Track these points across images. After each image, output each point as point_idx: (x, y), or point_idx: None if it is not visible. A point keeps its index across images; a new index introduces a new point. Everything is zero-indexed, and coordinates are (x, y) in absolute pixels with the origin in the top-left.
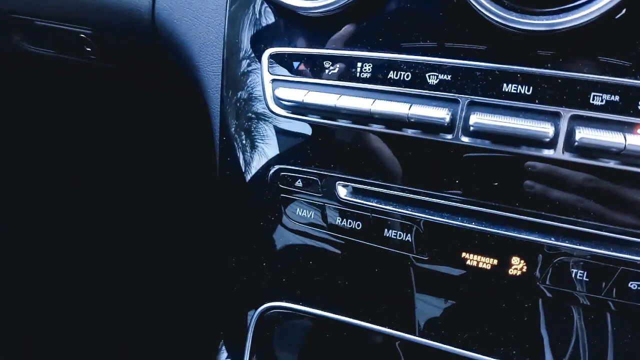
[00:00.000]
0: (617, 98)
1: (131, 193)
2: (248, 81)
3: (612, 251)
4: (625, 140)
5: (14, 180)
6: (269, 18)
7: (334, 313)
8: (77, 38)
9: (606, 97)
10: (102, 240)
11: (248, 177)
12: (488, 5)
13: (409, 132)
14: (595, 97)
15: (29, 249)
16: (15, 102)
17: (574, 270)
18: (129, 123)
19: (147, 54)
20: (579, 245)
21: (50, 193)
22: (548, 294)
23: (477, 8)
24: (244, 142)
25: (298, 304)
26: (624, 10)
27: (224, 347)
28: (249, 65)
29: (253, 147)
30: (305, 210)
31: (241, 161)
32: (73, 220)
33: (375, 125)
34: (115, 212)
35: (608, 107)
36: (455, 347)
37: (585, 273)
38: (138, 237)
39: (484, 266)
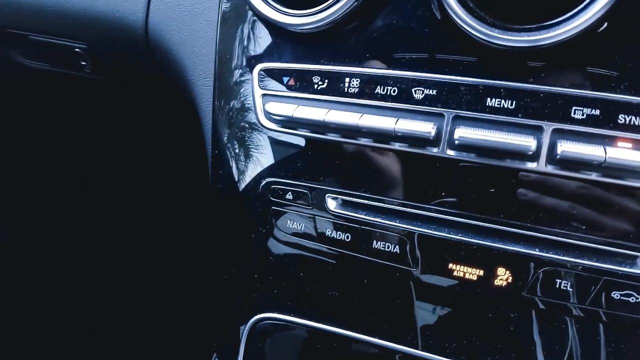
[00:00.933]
0: (597, 112)
1: (125, 203)
2: (239, 95)
3: (595, 261)
4: (606, 153)
5: (14, 185)
6: (259, 34)
7: (324, 324)
8: (72, 52)
9: (587, 111)
10: (98, 250)
11: (239, 190)
12: (470, 22)
13: (396, 145)
14: (577, 111)
15: (28, 254)
16: (11, 110)
17: (558, 281)
18: (122, 133)
19: (141, 67)
20: (563, 256)
21: (46, 202)
22: (533, 304)
23: (460, 25)
24: (235, 155)
25: (290, 315)
26: (605, 25)
27: (217, 359)
28: (240, 79)
29: (244, 160)
30: (295, 223)
31: (233, 174)
32: (70, 228)
33: (363, 139)
34: (109, 222)
35: (589, 120)
36: (443, 357)
37: (569, 283)
38: (133, 247)
39: (471, 277)
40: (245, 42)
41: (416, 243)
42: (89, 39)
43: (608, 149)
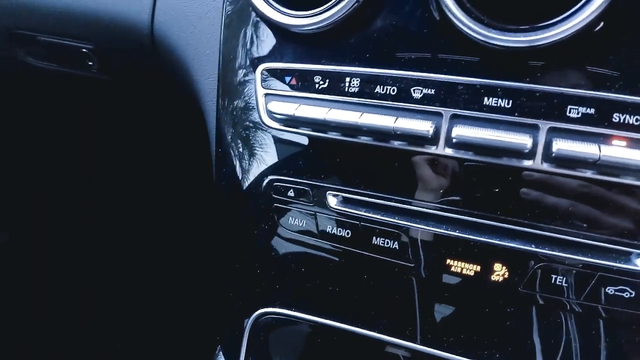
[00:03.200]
0: (592, 110)
1: (129, 201)
2: (242, 95)
3: (590, 257)
4: (600, 151)
5: (18, 185)
6: (262, 35)
7: (325, 319)
8: (79, 52)
9: (582, 109)
10: (100, 247)
11: (243, 187)
12: (468, 23)
13: (396, 144)
14: (572, 110)
15: (29, 253)
16: (16, 109)
17: (554, 276)
18: (127, 132)
19: (146, 68)
20: (559, 252)
21: (49, 200)
22: (529, 299)
23: (458, 26)
24: (238, 153)
25: (291, 309)
26: (601, 24)
27: (220, 352)
28: (243, 79)
29: (247, 158)
30: (297, 219)
31: (236, 171)
32: (72, 226)
33: (363, 138)
34: (114, 219)
35: (584, 119)
36: (441, 350)
37: (565, 279)
38: (137, 243)
39: (468, 272)
40: (248, 43)
41: (414, 240)
42: (95, 40)
43: (603, 147)
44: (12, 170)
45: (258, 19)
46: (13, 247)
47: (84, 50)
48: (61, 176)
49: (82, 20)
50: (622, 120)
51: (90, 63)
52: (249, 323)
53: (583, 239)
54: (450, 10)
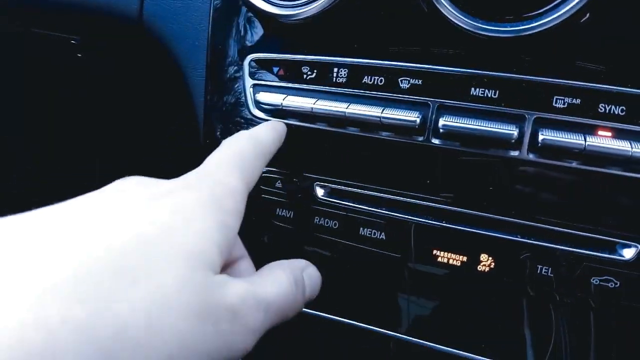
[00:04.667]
0: (578, 101)
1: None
2: (230, 86)
3: (575, 248)
4: (586, 141)
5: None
6: (249, 25)
7: (315, 310)
8: (68, 44)
9: (568, 100)
10: None
11: None
12: (456, 14)
13: (383, 134)
14: (558, 100)
15: None
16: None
17: (539, 266)
18: (115, 123)
19: (136, 59)
20: (544, 243)
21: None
22: (514, 289)
23: (446, 16)
24: None
25: None
26: (587, 15)
27: None
28: (231, 70)
29: None
30: (285, 210)
31: None
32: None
33: (350, 128)
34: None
35: (570, 109)
36: (427, 341)
37: (550, 269)
38: None
39: (455, 263)
40: (236, 34)
41: (402, 230)
42: (84, 32)
43: (588, 137)
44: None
45: (246, 9)
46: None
47: (72, 42)
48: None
49: (71, 12)
50: (607, 111)
51: (79, 55)
52: None
53: (569, 229)
54: (437, 1)
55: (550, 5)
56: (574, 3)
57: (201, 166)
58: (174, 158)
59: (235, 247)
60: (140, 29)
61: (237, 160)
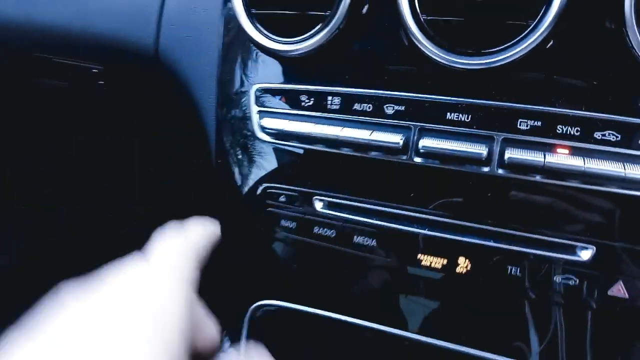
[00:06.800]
0: (539, 123)
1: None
2: (238, 112)
3: (541, 251)
4: (545, 158)
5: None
6: (255, 59)
7: (314, 308)
8: (90, 73)
9: (531, 122)
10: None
11: (240, 194)
12: (432, 49)
13: (372, 154)
14: (522, 123)
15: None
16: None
17: (510, 267)
18: (131, 145)
19: (153, 89)
20: (513, 246)
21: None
22: (488, 289)
23: (423, 51)
24: (236, 163)
25: (284, 301)
26: (551, 42)
27: (227, 337)
28: (238, 98)
29: (244, 168)
30: (288, 222)
31: (234, 180)
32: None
33: (344, 149)
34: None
35: (532, 130)
36: (413, 333)
37: (518, 269)
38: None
39: (436, 265)
40: (243, 66)
41: (390, 238)
42: (105, 61)
43: (548, 154)
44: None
45: (251, 45)
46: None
47: (94, 70)
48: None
49: (93, 43)
50: (564, 131)
51: (100, 82)
52: (247, 315)
53: (535, 234)
54: (416, 38)
55: (514, 40)
56: (533, 39)
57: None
58: (188, 177)
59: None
60: (156, 59)
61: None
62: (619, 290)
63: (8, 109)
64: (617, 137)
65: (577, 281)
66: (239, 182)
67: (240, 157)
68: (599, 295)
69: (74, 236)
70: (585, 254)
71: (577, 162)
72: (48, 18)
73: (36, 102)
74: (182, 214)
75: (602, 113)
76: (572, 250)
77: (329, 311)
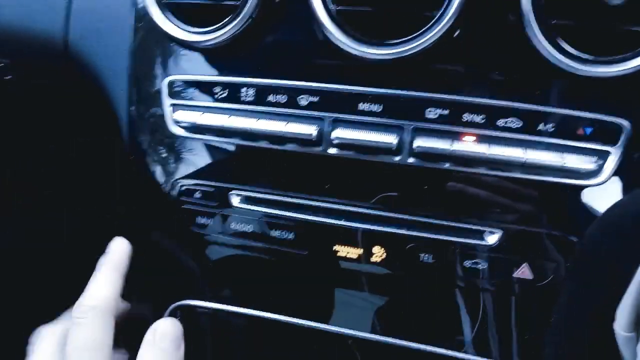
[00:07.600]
0: (446, 112)
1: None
2: (150, 106)
3: (450, 237)
4: (452, 146)
5: None
6: (167, 50)
7: (234, 306)
8: None
9: (438, 111)
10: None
11: (155, 192)
12: (344, 41)
13: (288, 146)
14: (430, 112)
15: None
16: None
17: (422, 254)
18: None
19: (62, 82)
20: (424, 234)
21: None
22: (402, 276)
23: (336, 43)
24: (149, 160)
25: (204, 300)
26: (457, 32)
27: None
28: (150, 91)
29: (157, 164)
30: (204, 218)
31: (148, 176)
32: None
33: (260, 142)
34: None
35: (440, 119)
36: (335, 326)
37: (431, 256)
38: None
39: (352, 256)
40: (154, 57)
41: (306, 230)
42: (10, 54)
43: (455, 142)
44: None
45: (163, 35)
46: None
47: (1, 64)
48: None
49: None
50: (470, 120)
51: (7, 77)
52: (166, 314)
53: (444, 221)
54: (326, 29)
55: (420, 32)
56: (438, 29)
57: None
58: (96, 171)
59: None
60: (65, 53)
61: None
62: (524, 272)
63: None
64: (518, 124)
65: (485, 265)
66: (153, 179)
67: (154, 153)
68: (506, 277)
69: None
70: (492, 239)
71: (481, 149)
72: None
73: None
74: (102, 214)
75: (505, 101)
76: (479, 235)
77: (249, 308)
